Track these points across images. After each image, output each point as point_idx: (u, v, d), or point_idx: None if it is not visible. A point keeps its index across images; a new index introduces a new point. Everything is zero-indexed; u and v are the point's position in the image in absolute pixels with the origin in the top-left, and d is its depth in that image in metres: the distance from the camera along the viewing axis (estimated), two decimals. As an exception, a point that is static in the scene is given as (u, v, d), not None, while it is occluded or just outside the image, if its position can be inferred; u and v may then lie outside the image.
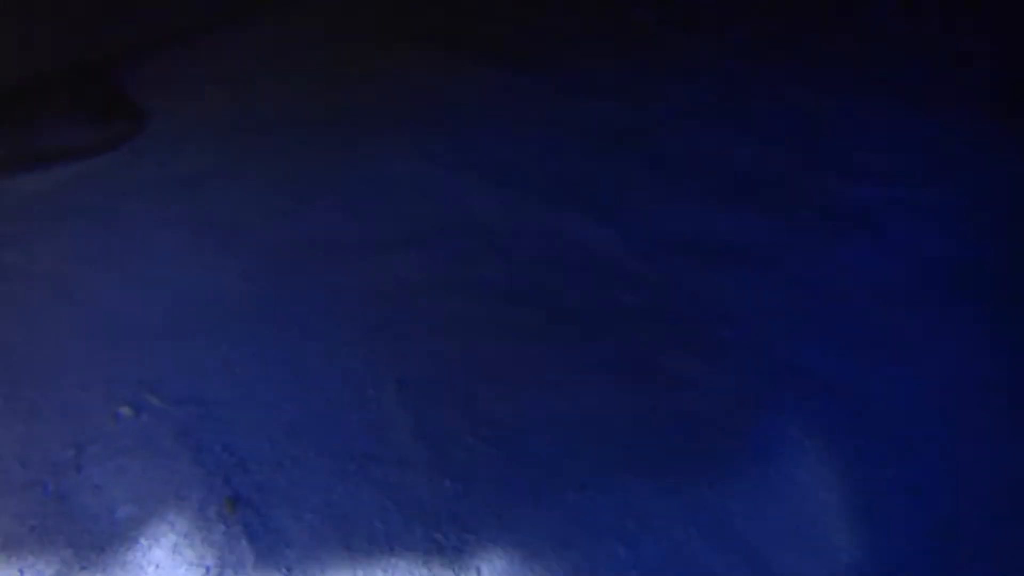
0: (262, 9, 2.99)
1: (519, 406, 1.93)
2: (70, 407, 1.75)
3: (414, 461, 1.78)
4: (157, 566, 1.49)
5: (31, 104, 2.45)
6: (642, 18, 3.35)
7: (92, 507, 1.57)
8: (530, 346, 2.09)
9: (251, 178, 2.50)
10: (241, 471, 1.67)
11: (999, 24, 3.54)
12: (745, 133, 2.90)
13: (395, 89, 2.84)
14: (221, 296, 2.13)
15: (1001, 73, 3.47)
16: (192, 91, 2.75)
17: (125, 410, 1.73)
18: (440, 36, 3.07)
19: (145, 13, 2.79)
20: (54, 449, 1.66)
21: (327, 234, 2.39)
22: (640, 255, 2.37)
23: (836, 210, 2.76)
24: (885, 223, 2.77)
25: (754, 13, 3.37)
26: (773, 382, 2.16)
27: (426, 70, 2.92)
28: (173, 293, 2.10)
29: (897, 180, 2.97)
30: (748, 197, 2.66)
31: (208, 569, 1.48)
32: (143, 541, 1.52)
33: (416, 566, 1.59)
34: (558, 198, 2.53)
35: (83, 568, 1.45)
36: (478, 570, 1.60)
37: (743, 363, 2.19)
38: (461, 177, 2.62)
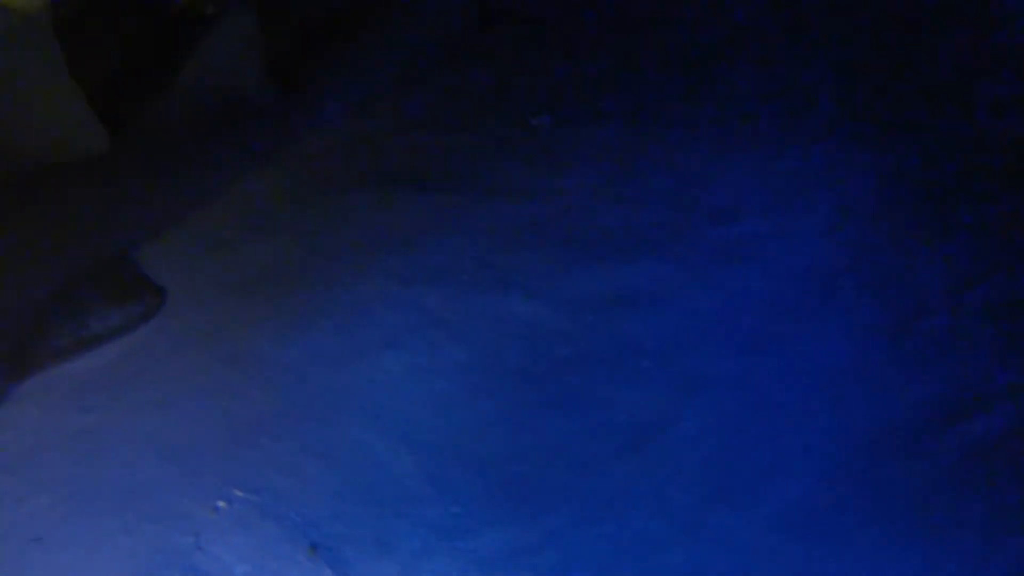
0: (246, 176, 4.01)
1: (493, 446, 2.86)
2: (180, 511, 2.62)
3: (427, 498, 2.69)
4: (272, 598, 2.38)
5: (77, 297, 3.37)
6: (537, 123, 4.44)
7: (218, 571, 2.44)
8: (495, 399, 3.03)
9: (259, 320, 3.40)
10: (313, 528, 2.57)
11: (835, 71, 4.66)
12: (632, 200, 3.90)
13: (360, 227, 3.82)
14: (259, 411, 3.02)
15: (843, 107, 4.53)
16: (195, 262, 3.68)
17: (221, 503, 2.62)
18: (386, 174, 4.14)
19: (141, 207, 3.79)
20: (179, 540, 2.53)
21: (325, 350, 3.28)
22: (564, 316, 3.30)
23: (716, 249, 3.69)
24: (759, 251, 3.67)
25: (626, 107, 4.48)
26: (686, 391, 3.10)
27: (379, 205, 3.95)
28: (225, 415, 2.98)
29: (765, 213, 3.93)
30: (639, 252, 3.58)
31: (306, 585, 2.39)
32: (259, 585, 2.41)
33: (448, 564, 2.50)
34: (493, 287, 3.46)
35: (226, 608, 2.34)
36: (491, 561, 2.51)
37: (661, 382, 3.14)
38: (415, 286, 3.58)
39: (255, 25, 4.22)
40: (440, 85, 4.71)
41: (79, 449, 2.92)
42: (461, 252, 3.68)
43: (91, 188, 3.68)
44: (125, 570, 2.46)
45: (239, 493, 2.66)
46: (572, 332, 3.30)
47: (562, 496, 2.70)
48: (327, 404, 3.07)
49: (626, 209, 3.91)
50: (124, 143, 3.85)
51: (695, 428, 2.96)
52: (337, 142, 4.32)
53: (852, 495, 2.74)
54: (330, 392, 3.12)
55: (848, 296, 3.40)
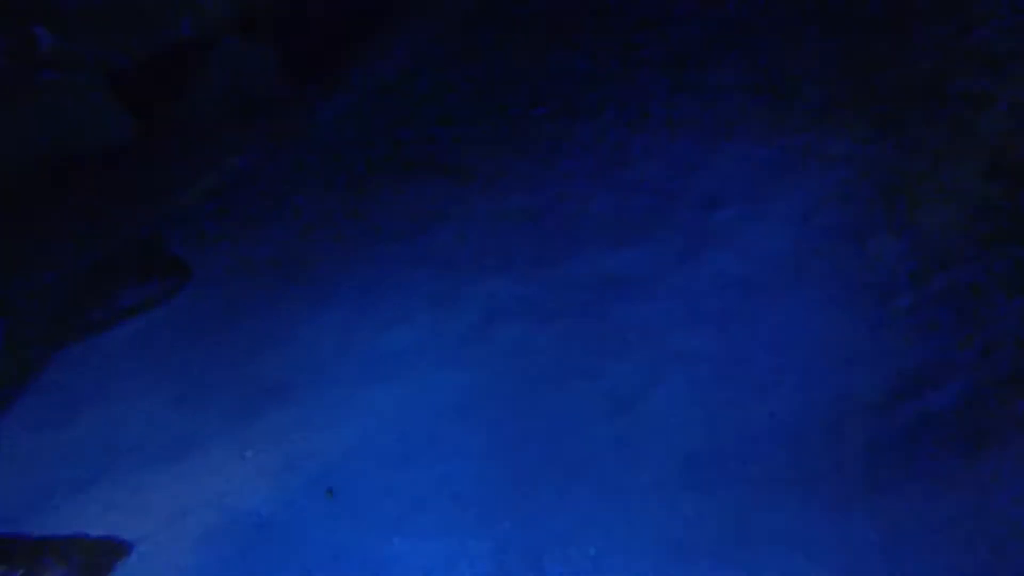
0: (265, 163, 4.45)
1: (489, 409, 3.29)
2: (212, 459, 3.07)
3: (430, 453, 3.13)
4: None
5: (112, 274, 3.83)
6: (536, 113, 4.86)
7: (247, 508, 2.90)
8: (492, 369, 3.47)
9: (277, 298, 3.82)
10: (329, 476, 3.02)
11: (818, 66, 5.06)
12: (622, 187, 4.33)
13: (370, 212, 4.25)
14: (277, 378, 3.45)
15: (825, 101, 4.93)
16: (216, 244, 4.12)
17: (248, 454, 3.09)
18: (393, 163, 4.59)
19: (168, 193, 4.24)
20: (213, 483, 3.00)
21: (337, 325, 3.70)
22: (557, 296, 3.73)
23: (699, 232, 4.11)
24: (739, 235, 4.13)
25: (619, 99, 4.89)
26: (666, 362, 3.53)
27: (387, 192, 4.38)
28: (247, 381, 3.42)
29: (746, 199, 4.34)
30: (628, 236, 4.03)
31: (324, 518, 2.86)
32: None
33: (449, 507, 2.95)
34: (492, 269, 3.87)
35: (260, 525, 2.82)
36: (487, 505, 2.96)
37: (644, 354, 3.56)
38: (420, 268, 3.99)
39: (273, 24, 4.69)
40: (445, 78, 5.14)
41: (118, 409, 3.37)
42: (463, 236, 4.12)
43: (122, 175, 4.15)
44: (169, 508, 2.93)
45: (263, 445, 3.12)
46: (563, 310, 3.71)
47: (549, 452, 3.14)
48: (340, 372, 3.50)
49: (616, 196, 4.32)
50: (153, 134, 4.31)
51: (671, 396, 3.34)
52: (349, 131, 4.77)
53: (812, 456, 3.11)
54: (342, 362, 3.56)
55: (819, 278, 3.79)
